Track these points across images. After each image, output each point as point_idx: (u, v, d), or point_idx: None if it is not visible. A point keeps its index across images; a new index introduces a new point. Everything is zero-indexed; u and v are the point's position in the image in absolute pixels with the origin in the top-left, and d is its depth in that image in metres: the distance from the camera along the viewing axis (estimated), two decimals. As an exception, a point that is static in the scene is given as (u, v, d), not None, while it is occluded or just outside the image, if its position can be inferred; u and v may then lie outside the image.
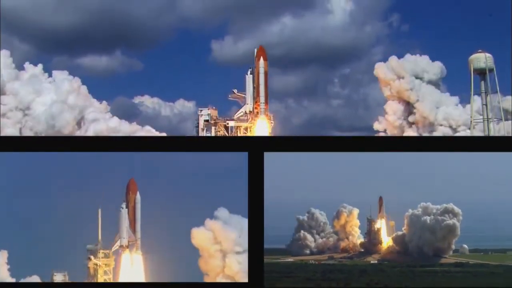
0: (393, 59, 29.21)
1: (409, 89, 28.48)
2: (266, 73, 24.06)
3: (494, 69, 24.77)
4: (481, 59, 23.42)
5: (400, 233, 9.98)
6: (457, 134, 26.21)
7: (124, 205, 5.59)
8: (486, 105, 23.47)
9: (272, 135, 24.04)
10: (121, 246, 5.55)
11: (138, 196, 5.01)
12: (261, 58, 23.49)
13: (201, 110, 27.39)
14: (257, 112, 23.70)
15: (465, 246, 9.95)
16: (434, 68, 28.59)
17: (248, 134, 24.18)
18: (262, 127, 23.38)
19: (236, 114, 24.87)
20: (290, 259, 4.86)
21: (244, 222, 4.95)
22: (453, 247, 8.77)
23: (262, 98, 23.64)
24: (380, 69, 29.13)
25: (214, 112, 27.02)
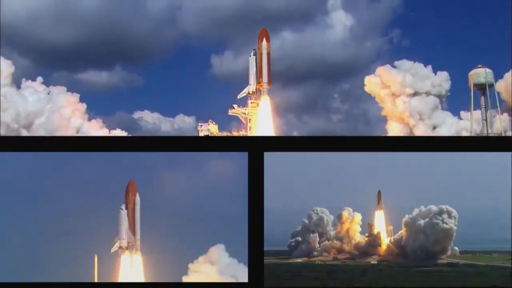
0: (382, 70, 28.90)
1: (406, 111, 28.57)
2: (268, 54, 24.30)
3: (494, 84, 25.05)
4: (481, 74, 23.62)
5: (397, 236, 10.26)
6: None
7: (123, 207, 5.72)
8: (486, 120, 23.69)
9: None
10: (120, 247, 5.66)
11: (137, 197, 5.15)
12: (264, 40, 23.75)
13: (201, 125, 27.60)
14: (260, 91, 23.84)
15: (456, 248, 10.35)
16: (436, 80, 28.63)
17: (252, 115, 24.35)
18: (265, 107, 23.55)
19: (240, 94, 25.07)
20: (299, 260, 5.06)
21: (241, 269, 4.86)
22: (450, 250, 9.06)
23: (265, 78, 23.79)
24: (372, 85, 29.06)
25: (214, 127, 27.27)
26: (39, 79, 16.22)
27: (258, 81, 24.71)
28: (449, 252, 9.15)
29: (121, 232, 6.10)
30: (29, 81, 25.26)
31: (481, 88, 23.89)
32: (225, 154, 2.84)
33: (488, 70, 23.63)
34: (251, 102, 23.49)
